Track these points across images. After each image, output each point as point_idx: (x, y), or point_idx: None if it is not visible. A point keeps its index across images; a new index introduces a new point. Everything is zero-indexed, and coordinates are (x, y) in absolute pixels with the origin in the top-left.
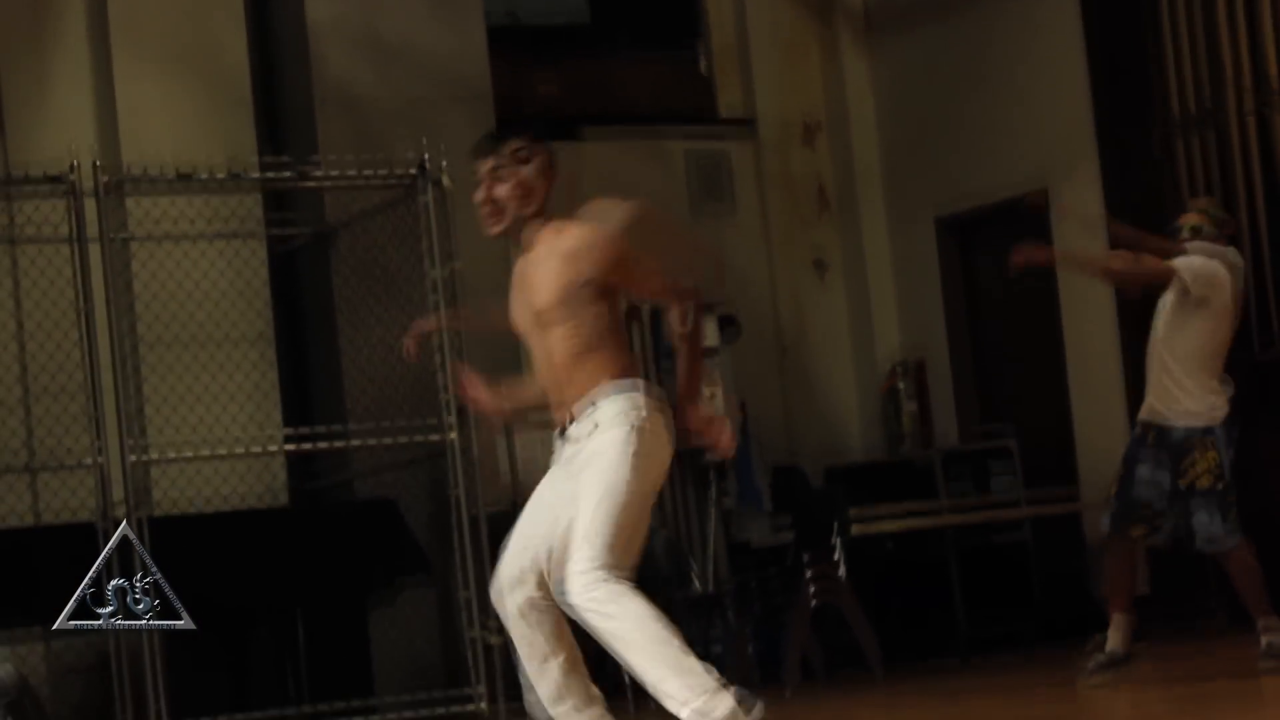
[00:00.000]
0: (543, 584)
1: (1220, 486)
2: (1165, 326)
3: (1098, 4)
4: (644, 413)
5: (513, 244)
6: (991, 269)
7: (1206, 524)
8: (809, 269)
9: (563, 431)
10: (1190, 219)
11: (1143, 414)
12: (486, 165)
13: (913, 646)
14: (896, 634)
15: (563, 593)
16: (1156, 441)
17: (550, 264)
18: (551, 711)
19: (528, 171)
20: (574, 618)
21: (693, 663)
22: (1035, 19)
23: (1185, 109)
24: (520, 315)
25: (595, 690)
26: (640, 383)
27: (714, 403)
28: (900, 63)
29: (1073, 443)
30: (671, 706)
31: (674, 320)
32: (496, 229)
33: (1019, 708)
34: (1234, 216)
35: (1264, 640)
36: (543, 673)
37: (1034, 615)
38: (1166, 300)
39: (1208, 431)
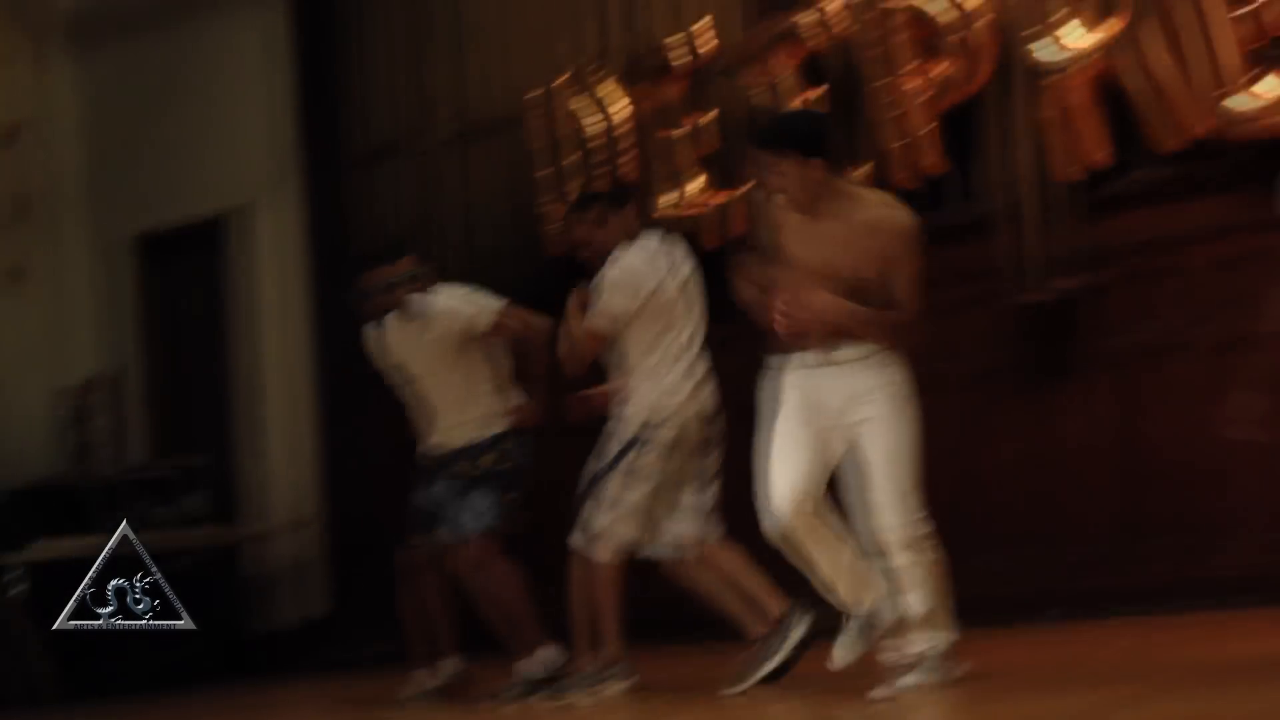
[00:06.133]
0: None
1: (507, 470)
2: (438, 364)
3: (299, 29)
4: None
5: None
6: (187, 290)
7: (480, 500)
8: (3, 277)
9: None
10: (406, 265)
11: (426, 449)
12: None
13: (94, 674)
14: (81, 661)
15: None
16: (438, 466)
17: None
18: (855, 600)
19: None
20: None
21: None
22: (233, 41)
23: (388, 136)
24: None
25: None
26: None
27: None
28: (105, 73)
29: (241, 474)
30: None
31: None
32: None
33: None
34: (432, 242)
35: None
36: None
37: (210, 640)
38: (415, 339)
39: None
